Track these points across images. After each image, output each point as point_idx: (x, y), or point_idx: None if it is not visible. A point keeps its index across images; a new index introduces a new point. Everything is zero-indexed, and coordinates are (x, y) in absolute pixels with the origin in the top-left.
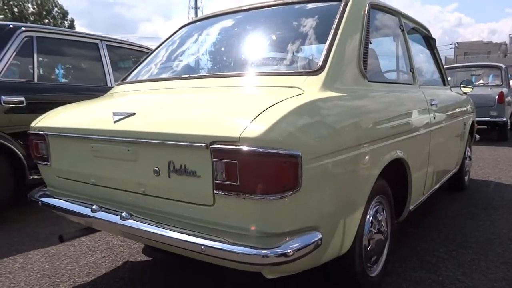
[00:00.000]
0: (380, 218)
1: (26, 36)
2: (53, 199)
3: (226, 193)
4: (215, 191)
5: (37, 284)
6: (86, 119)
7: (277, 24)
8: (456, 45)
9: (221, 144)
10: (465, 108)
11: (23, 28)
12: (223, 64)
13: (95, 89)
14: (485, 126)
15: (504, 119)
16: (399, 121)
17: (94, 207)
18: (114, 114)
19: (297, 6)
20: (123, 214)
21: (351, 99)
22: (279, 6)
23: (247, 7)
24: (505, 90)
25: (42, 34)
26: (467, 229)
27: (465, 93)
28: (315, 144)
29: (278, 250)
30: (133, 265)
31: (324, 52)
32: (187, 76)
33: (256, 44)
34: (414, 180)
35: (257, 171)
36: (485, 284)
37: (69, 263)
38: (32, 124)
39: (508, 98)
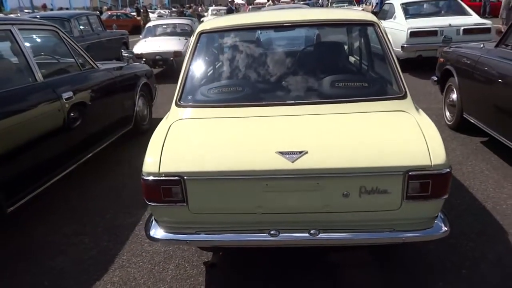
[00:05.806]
0: None
1: None
2: (209, 235)
3: (415, 201)
4: (404, 200)
5: None
6: (246, 159)
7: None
8: None
9: (416, 171)
10: None
11: None
12: (303, 88)
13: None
14: None
15: None
16: None
17: (272, 232)
18: (283, 153)
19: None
20: (312, 231)
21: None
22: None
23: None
24: None
25: None
26: None
27: None
28: None
29: (444, 227)
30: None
31: (398, 77)
32: (292, 102)
33: (327, 67)
34: None
35: (441, 184)
36: None
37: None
38: (151, 170)
39: None
